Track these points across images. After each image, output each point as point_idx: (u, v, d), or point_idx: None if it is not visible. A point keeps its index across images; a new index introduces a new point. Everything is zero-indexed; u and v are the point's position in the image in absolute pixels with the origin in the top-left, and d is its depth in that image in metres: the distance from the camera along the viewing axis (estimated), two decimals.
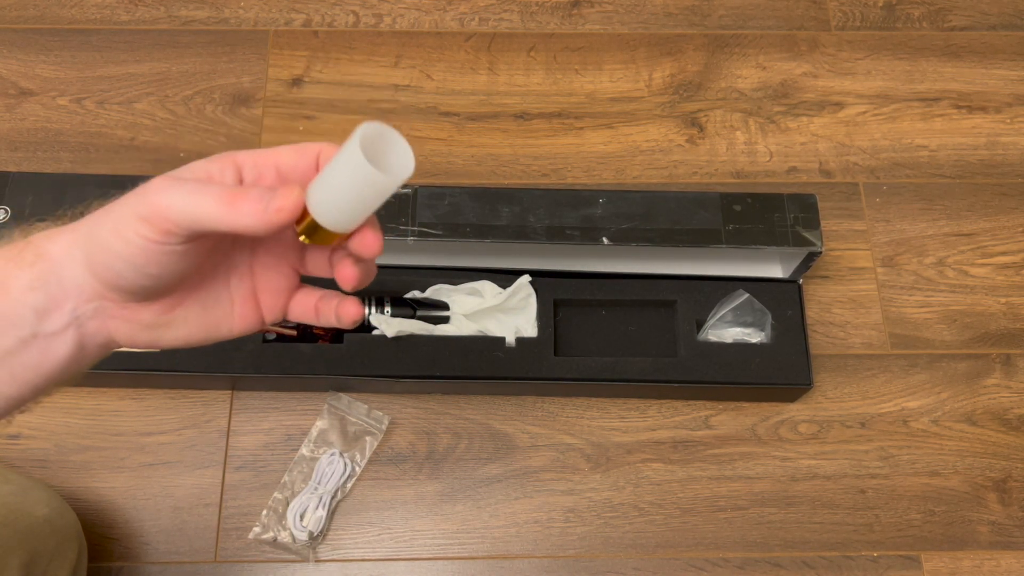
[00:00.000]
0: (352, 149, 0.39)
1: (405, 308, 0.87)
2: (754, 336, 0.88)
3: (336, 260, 0.43)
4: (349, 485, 0.87)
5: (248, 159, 0.40)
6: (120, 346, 0.42)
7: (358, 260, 0.41)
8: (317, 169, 0.40)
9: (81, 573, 0.73)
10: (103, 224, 0.38)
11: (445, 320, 0.88)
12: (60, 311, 0.39)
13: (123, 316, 0.41)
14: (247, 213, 0.36)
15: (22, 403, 0.40)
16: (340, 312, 0.43)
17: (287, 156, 0.40)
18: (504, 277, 0.88)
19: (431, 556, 0.86)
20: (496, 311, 0.87)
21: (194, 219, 0.37)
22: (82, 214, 0.40)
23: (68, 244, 0.39)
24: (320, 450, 0.88)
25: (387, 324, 0.84)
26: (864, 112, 1.07)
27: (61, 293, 0.39)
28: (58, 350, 0.40)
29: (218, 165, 0.40)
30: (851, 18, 1.12)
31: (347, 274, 0.41)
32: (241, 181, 0.40)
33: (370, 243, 0.40)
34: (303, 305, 0.44)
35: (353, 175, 0.38)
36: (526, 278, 0.86)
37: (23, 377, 0.40)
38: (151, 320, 0.41)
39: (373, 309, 0.86)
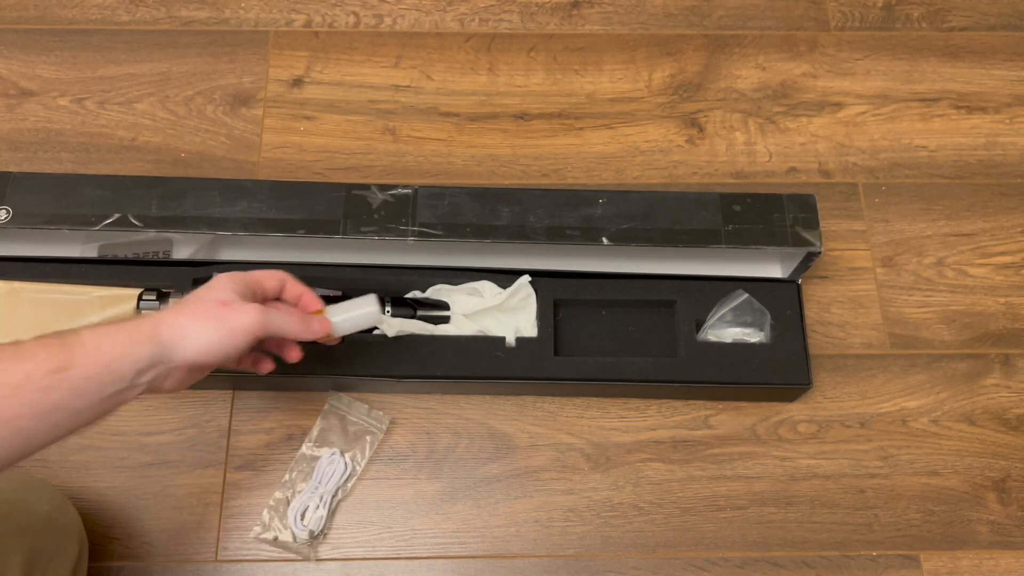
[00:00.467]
0: (372, 307, 0.74)
1: (405, 308, 0.87)
2: (753, 336, 0.88)
3: (287, 347, 0.72)
4: (350, 484, 0.87)
5: (256, 286, 0.67)
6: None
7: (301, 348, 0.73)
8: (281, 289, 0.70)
9: (82, 570, 0.73)
10: (212, 328, 0.60)
11: (445, 320, 0.88)
12: (150, 374, 0.58)
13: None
14: (308, 331, 0.68)
15: (87, 425, 0.56)
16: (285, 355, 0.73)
17: (270, 280, 0.69)
18: (504, 277, 0.88)
19: (431, 555, 0.86)
20: (496, 311, 0.87)
21: (280, 329, 0.65)
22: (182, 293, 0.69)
23: (180, 336, 0.59)
24: (321, 449, 0.88)
25: (387, 324, 0.84)
26: (863, 112, 1.07)
27: (159, 368, 0.58)
28: (131, 396, 0.58)
29: (248, 292, 0.66)
30: (850, 18, 1.12)
31: (294, 355, 0.72)
32: (264, 298, 0.68)
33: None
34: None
35: (367, 317, 0.74)
36: (526, 278, 0.86)
37: (100, 410, 0.56)
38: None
39: None
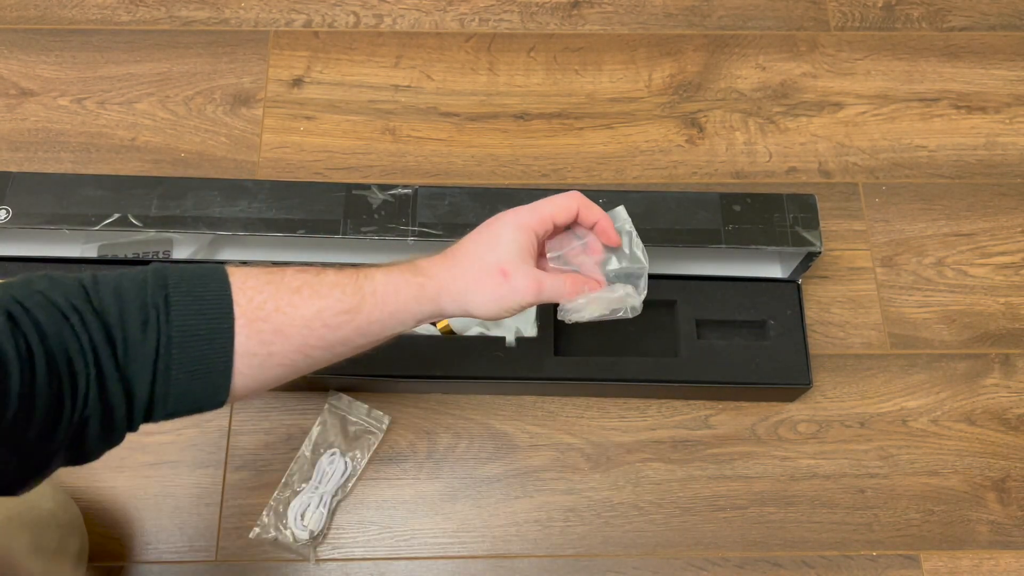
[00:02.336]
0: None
1: None
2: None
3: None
4: (350, 484, 0.87)
5: (539, 227, 0.61)
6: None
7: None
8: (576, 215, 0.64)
9: (82, 566, 0.74)
10: (489, 299, 0.59)
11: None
12: (427, 322, 0.61)
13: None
14: (576, 294, 0.62)
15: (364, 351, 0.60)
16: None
17: (562, 212, 0.62)
18: None
19: (431, 555, 0.86)
20: None
21: (552, 299, 0.61)
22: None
23: (459, 302, 0.60)
24: (321, 449, 0.88)
25: None
26: (863, 112, 1.07)
27: (435, 317, 0.61)
28: (406, 332, 0.61)
29: (529, 239, 0.61)
30: (850, 18, 1.12)
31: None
32: (538, 238, 0.62)
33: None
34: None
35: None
36: None
37: (377, 343, 0.60)
38: None
39: None
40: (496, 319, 0.61)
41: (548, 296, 0.61)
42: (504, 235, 0.60)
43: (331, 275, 0.57)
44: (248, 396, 0.56)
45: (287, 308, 0.54)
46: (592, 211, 0.63)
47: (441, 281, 0.59)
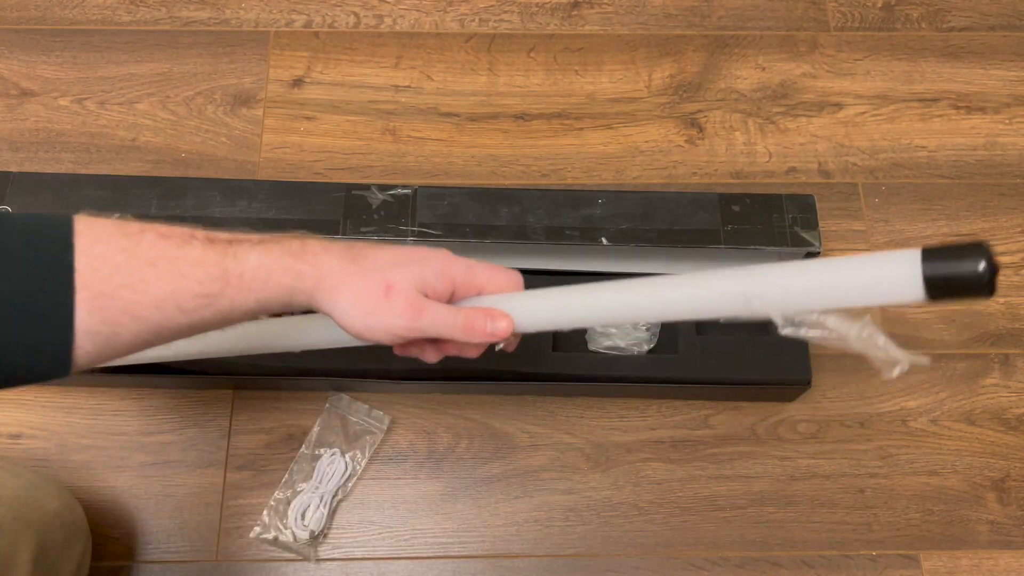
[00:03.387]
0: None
1: None
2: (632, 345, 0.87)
3: (464, 348, 0.59)
4: (350, 484, 0.87)
5: (461, 281, 0.55)
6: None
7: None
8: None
9: (85, 566, 0.74)
10: (360, 314, 0.52)
11: None
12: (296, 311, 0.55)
13: None
14: (478, 336, 0.55)
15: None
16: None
17: (493, 285, 0.56)
18: None
19: (431, 555, 0.86)
20: None
21: (438, 335, 0.54)
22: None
23: (331, 306, 0.53)
24: (321, 449, 0.88)
25: None
26: (863, 113, 1.07)
27: (307, 308, 0.54)
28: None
29: (441, 282, 0.54)
30: (850, 19, 1.12)
31: (471, 354, 0.60)
32: (453, 295, 0.56)
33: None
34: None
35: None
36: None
37: (236, 324, 0.53)
38: None
39: None
40: (358, 337, 0.54)
41: (429, 327, 0.53)
42: (417, 261, 0.54)
43: (197, 248, 0.49)
44: (97, 365, 0.49)
45: (138, 285, 0.47)
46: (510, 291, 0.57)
47: (322, 273, 0.52)
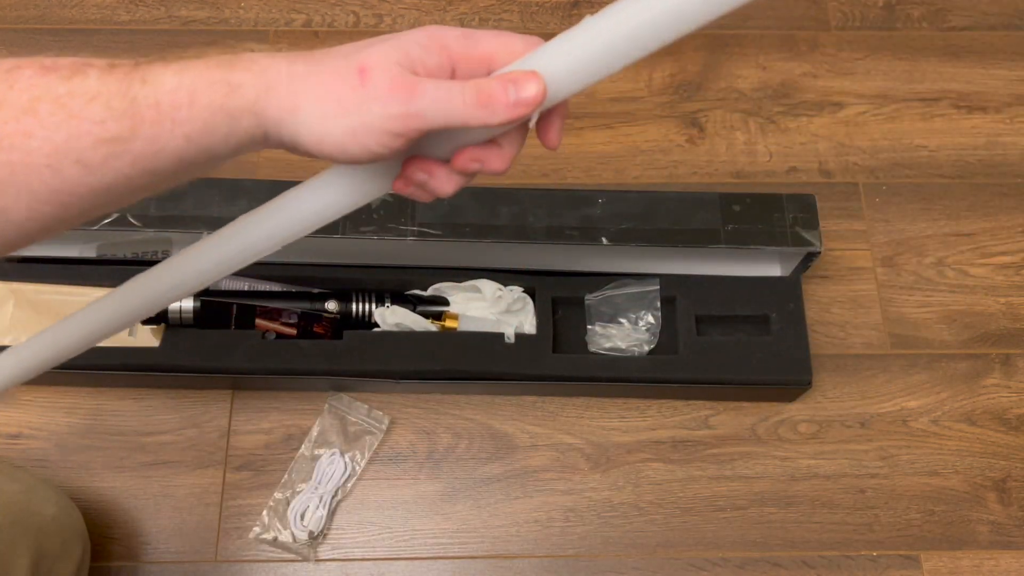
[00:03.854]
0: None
1: (405, 304, 0.87)
2: (627, 339, 0.87)
3: (487, 151, 0.41)
4: (349, 484, 0.87)
5: (459, 51, 0.39)
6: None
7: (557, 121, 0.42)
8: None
9: (84, 571, 0.73)
10: (333, 115, 0.37)
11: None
12: (252, 150, 0.40)
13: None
14: (499, 112, 0.37)
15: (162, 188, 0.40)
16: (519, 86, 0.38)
17: (507, 52, 0.40)
18: (504, 277, 0.88)
19: (431, 555, 0.86)
20: (494, 314, 0.88)
21: (446, 123, 0.38)
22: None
23: (290, 119, 0.38)
24: (321, 449, 0.88)
25: (389, 313, 0.85)
26: (864, 112, 1.07)
27: (266, 144, 0.40)
28: (230, 158, 0.41)
29: (433, 58, 0.39)
30: (851, 18, 1.12)
31: (497, 163, 0.41)
32: (453, 74, 0.40)
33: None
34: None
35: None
36: (518, 290, 0.87)
37: (181, 177, 0.40)
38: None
39: (373, 304, 0.86)
40: (337, 155, 0.38)
41: (429, 108, 0.37)
42: (400, 38, 0.38)
43: (92, 78, 0.35)
44: None
45: (16, 139, 0.34)
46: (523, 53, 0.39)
47: (267, 80, 0.37)
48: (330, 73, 0.37)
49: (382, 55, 0.37)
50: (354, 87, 0.37)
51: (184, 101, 0.36)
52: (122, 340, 0.86)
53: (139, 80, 0.36)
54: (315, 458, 0.87)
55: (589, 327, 0.88)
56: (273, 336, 0.86)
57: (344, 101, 0.37)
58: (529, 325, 0.88)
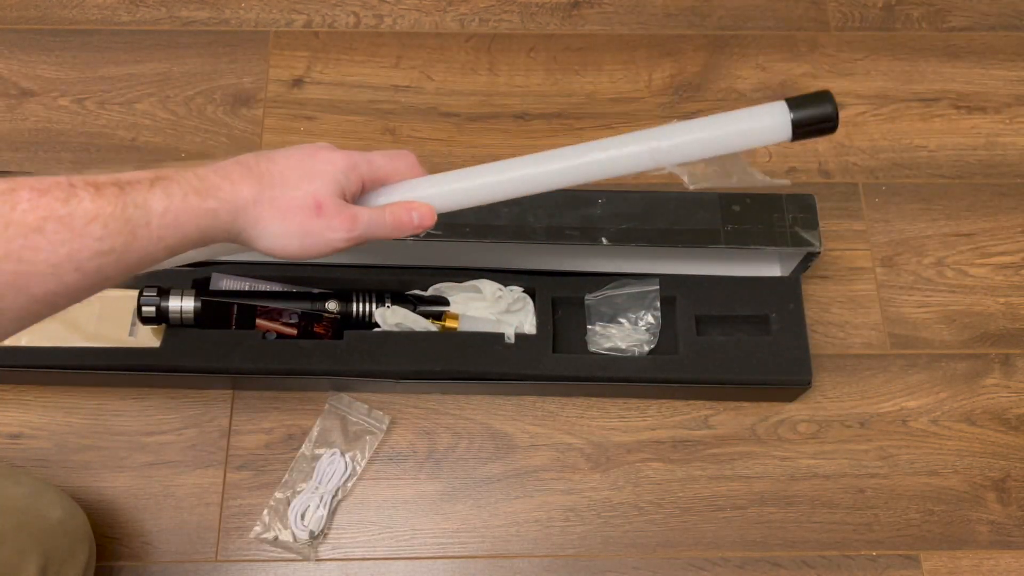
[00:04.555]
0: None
1: (405, 304, 0.87)
2: (628, 339, 0.87)
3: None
4: (350, 484, 0.87)
5: (367, 175, 0.56)
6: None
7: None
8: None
9: (90, 573, 0.73)
10: (296, 239, 0.52)
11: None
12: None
13: None
14: (406, 231, 0.57)
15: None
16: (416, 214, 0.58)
17: (396, 173, 0.58)
18: (504, 277, 0.88)
19: (431, 555, 0.86)
20: (494, 314, 0.88)
21: (373, 237, 0.55)
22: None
23: (259, 236, 0.51)
24: (321, 449, 0.88)
25: (390, 313, 0.85)
26: (863, 112, 1.07)
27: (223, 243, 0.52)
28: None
29: (352, 183, 0.55)
30: (850, 19, 1.12)
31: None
32: (363, 188, 0.57)
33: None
34: None
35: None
36: (518, 290, 0.87)
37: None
38: None
39: (373, 304, 0.86)
40: (290, 258, 0.53)
41: (365, 232, 0.54)
42: (327, 169, 0.53)
43: (87, 200, 0.43)
44: None
45: (26, 252, 0.41)
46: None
47: (236, 206, 0.49)
48: (290, 203, 0.51)
49: (327, 190, 0.52)
50: (312, 219, 0.52)
51: (171, 222, 0.46)
52: (122, 340, 0.86)
53: (131, 205, 0.44)
54: (315, 458, 0.87)
55: (589, 327, 0.88)
56: (273, 336, 0.86)
57: (305, 228, 0.52)
58: (529, 325, 0.88)
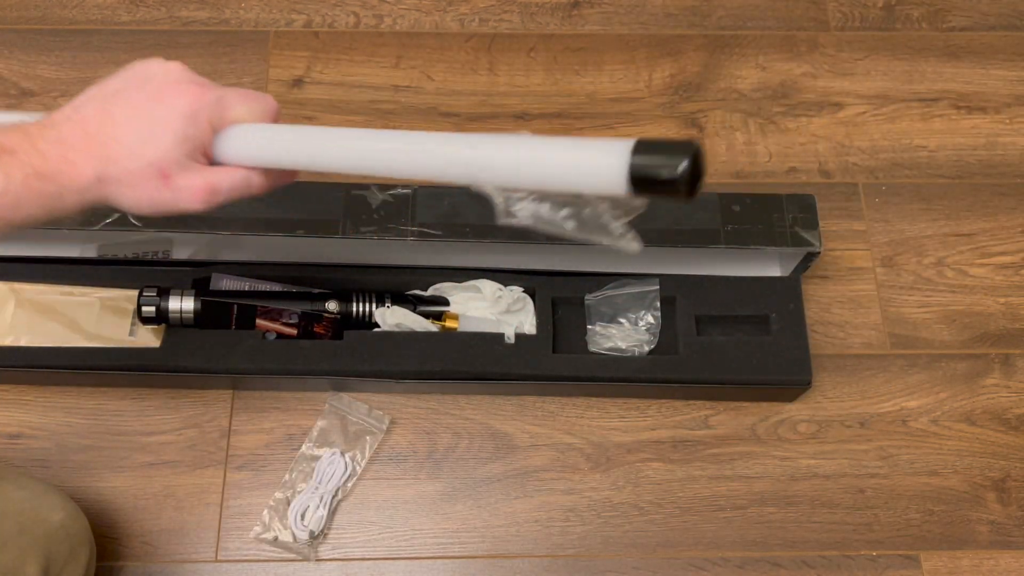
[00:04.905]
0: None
1: (405, 304, 0.87)
2: (627, 339, 0.87)
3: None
4: (350, 484, 0.87)
5: (216, 119, 0.52)
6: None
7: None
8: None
9: (90, 574, 0.73)
10: (148, 206, 0.50)
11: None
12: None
13: None
14: (256, 191, 0.54)
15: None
16: None
17: (251, 115, 0.55)
18: (504, 277, 0.88)
19: (431, 555, 0.86)
20: (494, 314, 0.88)
21: (235, 199, 0.53)
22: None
23: (116, 199, 0.50)
24: (321, 449, 0.88)
25: (389, 314, 0.85)
26: (863, 112, 1.07)
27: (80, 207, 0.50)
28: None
29: (199, 131, 0.51)
30: (850, 19, 1.12)
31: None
32: (212, 131, 0.52)
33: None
34: None
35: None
36: (518, 290, 0.87)
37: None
38: None
39: (373, 304, 0.86)
40: (166, 216, 0.52)
41: (226, 197, 0.52)
42: (171, 119, 0.49)
43: None
44: None
45: None
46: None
47: (83, 186, 0.48)
48: (132, 176, 0.48)
49: (172, 154, 0.49)
50: (162, 193, 0.49)
51: (10, 203, 0.46)
52: (122, 340, 0.86)
53: None
54: (315, 458, 0.87)
55: (589, 327, 0.88)
56: (273, 336, 0.86)
57: (155, 198, 0.49)
58: (529, 325, 0.88)
